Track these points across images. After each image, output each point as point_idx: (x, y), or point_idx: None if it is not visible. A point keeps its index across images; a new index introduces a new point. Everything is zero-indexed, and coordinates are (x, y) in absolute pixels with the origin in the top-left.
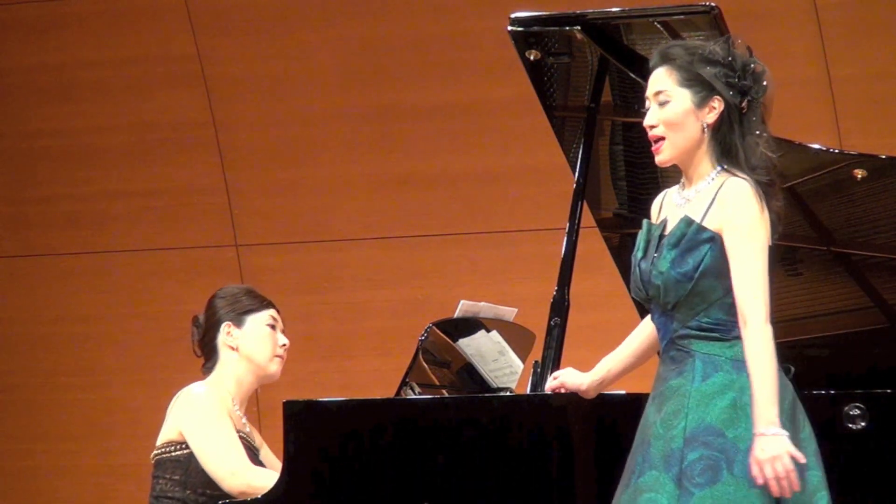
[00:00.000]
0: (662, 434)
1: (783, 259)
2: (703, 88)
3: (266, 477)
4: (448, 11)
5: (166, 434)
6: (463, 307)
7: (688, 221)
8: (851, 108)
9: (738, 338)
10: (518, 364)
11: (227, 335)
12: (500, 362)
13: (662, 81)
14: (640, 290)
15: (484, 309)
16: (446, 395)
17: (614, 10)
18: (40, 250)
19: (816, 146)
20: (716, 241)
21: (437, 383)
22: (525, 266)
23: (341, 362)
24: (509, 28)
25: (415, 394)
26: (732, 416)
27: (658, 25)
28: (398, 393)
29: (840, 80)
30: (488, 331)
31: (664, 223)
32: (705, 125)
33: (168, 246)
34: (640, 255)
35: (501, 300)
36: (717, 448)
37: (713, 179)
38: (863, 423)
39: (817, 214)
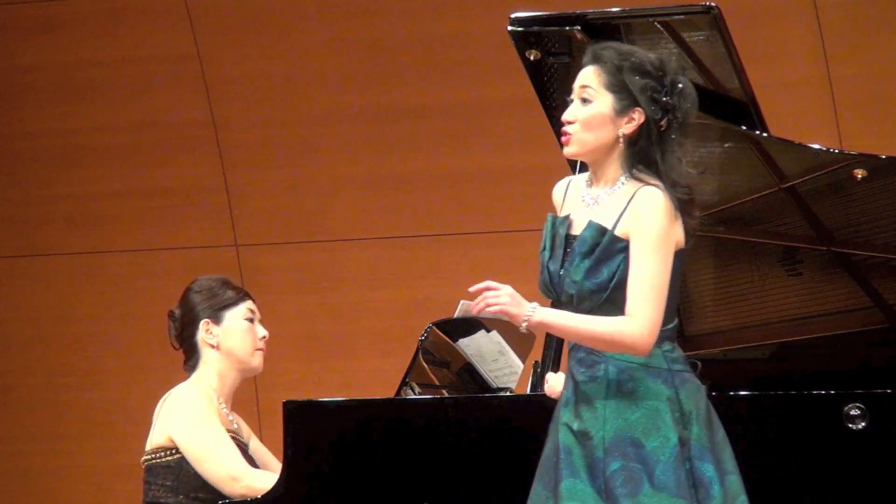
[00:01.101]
0: (583, 442)
1: (783, 259)
2: (626, 97)
3: (267, 479)
4: (448, 11)
5: (155, 439)
6: (463, 307)
7: (601, 230)
8: (851, 108)
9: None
10: (518, 364)
11: (206, 333)
12: (500, 362)
13: (590, 79)
14: (550, 293)
15: None
16: (446, 395)
17: (614, 10)
18: (40, 250)
19: (816, 146)
20: (629, 249)
21: (437, 383)
22: (525, 266)
23: (341, 362)
24: (509, 28)
25: (415, 394)
26: (650, 426)
27: (658, 25)
28: (398, 393)
29: (840, 80)
30: (488, 331)
31: (569, 220)
32: (621, 134)
33: (168, 246)
34: (547, 255)
35: None
36: (636, 459)
37: (623, 184)
38: (863, 423)
39: (817, 214)
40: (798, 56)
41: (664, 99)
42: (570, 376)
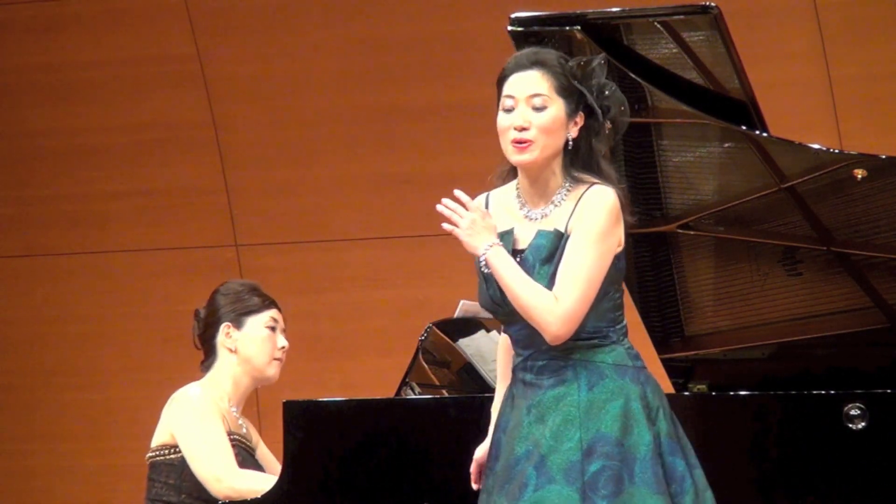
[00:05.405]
0: (556, 446)
1: (783, 259)
2: (574, 101)
3: (253, 480)
4: (448, 11)
5: (160, 437)
6: (463, 307)
7: (557, 234)
8: (851, 108)
9: (615, 342)
10: None
11: (225, 336)
12: None
13: (539, 85)
14: (501, 307)
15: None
16: (446, 395)
17: (614, 10)
18: (40, 250)
19: (816, 146)
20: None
21: (437, 383)
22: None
23: (341, 362)
24: (509, 28)
25: (415, 394)
26: (625, 424)
27: (658, 25)
28: (398, 393)
29: (840, 80)
30: (488, 331)
31: (512, 236)
32: (570, 138)
33: (168, 246)
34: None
35: None
36: (617, 458)
37: (568, 190)
38: (863, 423)
39: (817, 214)
40: (798, 56)
41: (601, 102)
42: (527, 383)
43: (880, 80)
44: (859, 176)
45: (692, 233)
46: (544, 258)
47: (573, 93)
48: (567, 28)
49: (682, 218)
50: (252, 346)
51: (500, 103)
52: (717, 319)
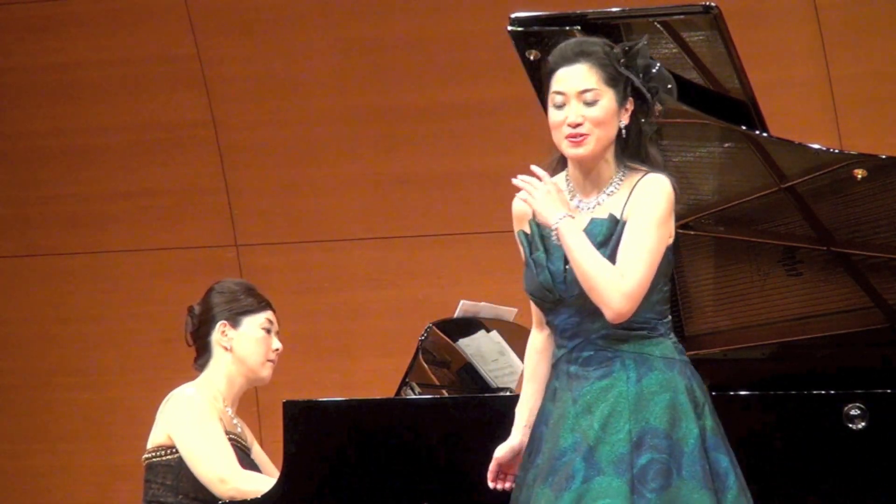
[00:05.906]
0: (605, 438)
1: (783, 259)
2: (623, 89)
3: (256, 482)
4: (448, 11)
5: (156, 438)
6: (463, 307)
7: (613, 219)
8: (851, 108)
9: (663, 335)
10: (518, 364)
11: (221, 335)
12: (500, 362)
13: (587, 79)
14: (551, 293)
15: (484, 309)
16: (446, 395)
17: (614, 10)
18: (40, 250)
19: (816, 146)
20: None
21: (437, 383)
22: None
23: (341, 362)
24: (509, 28)
25: (415, 394)
26: (673, 417)
27: (658, 25)
28: (398, 393)
29: (840, 80)
30: (488, 331)
31: None
32: (622, 126)
33: (168, 246)
34: (543, 256)
35: (501, 300)
36: (666, 451)
37: (621, 180)
38: (863, 423)
39: (817, 214)
40: (798, 56)
41: (649, 84)
42: (571, 374)
43: (880, 79)
44: (859, 176)
45: (692, 233)
46: (600, 242)
47: (621, 80)
48: (567, 28)
49: (682, 218)
50: (248, 345)
51: (550, 98)
52: (717, 319)
